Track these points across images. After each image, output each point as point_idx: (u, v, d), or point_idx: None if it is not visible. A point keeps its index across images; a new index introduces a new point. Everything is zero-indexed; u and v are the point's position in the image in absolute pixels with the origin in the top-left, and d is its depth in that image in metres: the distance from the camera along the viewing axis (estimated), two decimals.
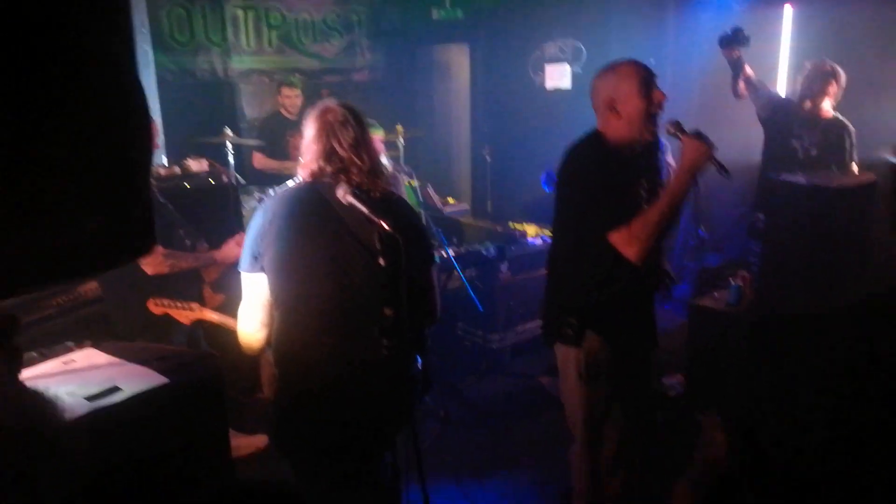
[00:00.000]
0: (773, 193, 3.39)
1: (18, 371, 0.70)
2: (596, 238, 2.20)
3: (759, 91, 4.06)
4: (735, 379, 3.42)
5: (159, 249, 2.79)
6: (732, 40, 3.87)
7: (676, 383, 3.90)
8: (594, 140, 2.31)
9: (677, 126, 2.22)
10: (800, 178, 3.26)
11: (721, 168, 2.16)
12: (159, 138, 3.00)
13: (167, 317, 2.66)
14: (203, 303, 2.83)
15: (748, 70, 4.00)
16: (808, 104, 3.88)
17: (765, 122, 4.12)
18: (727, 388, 3.26)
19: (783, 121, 4.00)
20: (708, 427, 1.41)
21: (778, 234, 3.28)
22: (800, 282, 3.14)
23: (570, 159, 2.32)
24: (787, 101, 4.15)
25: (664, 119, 2.28)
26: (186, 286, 2.87)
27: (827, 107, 3.88)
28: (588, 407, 2.41)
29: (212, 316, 2.66)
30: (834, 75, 3.81)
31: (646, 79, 2.22)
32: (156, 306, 2.66)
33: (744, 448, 1.27)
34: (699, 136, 2.15)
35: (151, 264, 2.78)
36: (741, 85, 4.01)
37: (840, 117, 3.91)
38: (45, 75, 1.01)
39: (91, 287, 3.07)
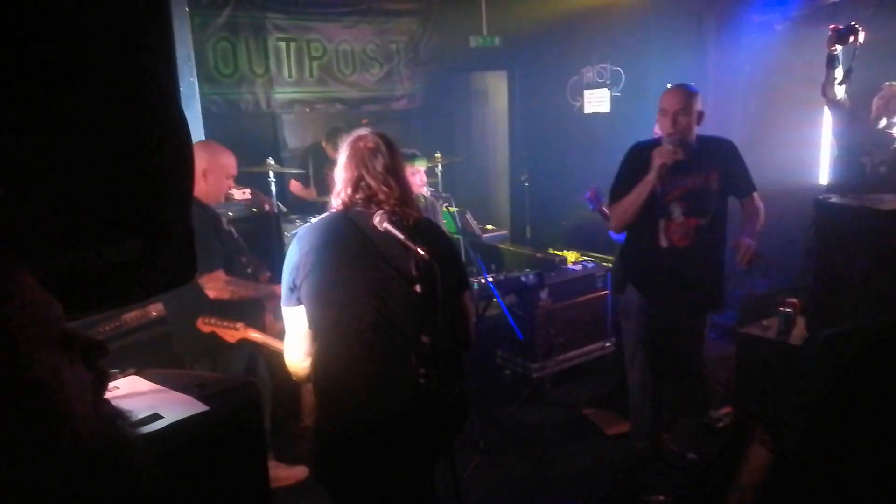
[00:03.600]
0: (824, 215, 3.29)
1: (102, 394, 0.73)
2: None
3: (840, 103, 3.97)
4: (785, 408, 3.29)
5: (221, 275, 2.85)
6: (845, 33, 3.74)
7: (724, 415, 3.77)
8: (652, 140, 3.08)
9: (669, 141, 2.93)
10: (851, 200, 3.16)
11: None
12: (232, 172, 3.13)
13: (221, 341, 2.71)
14: (265, 329, 2.87)
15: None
16: (882, 122, 3.86)
17: (839, 136, 4.09)
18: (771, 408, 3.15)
19: (855, 136, 3.97)
20: (753, 439, 1.52)
21: (829, 258, 3.17)
22: (853, 310, 3.02)
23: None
24: (862, 117, 4.07)
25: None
26: (250, 312, 2.91)
27: None
28: (626, 346, 3.28)
29: (255, 336, 2.70)
30: None
31: (667, 107, 2.95)
32: (204, 325, 2.71)
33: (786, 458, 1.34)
34: (665, 150, 2.88)
35: (214, 289, 2.83)
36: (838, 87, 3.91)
37: None
38: (86, 98, 1.04)
39: (134, 315, 3.13)
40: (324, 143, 5.47)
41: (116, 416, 0.71)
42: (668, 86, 3.08)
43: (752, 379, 3.49)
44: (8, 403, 0.59)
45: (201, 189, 2.94)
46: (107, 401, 0.71)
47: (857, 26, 3.64)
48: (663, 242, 3.01)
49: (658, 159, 2.86)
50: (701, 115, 2.96)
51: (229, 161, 3.05)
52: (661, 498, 3.15)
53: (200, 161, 2.93)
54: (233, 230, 3.08)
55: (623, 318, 3.27)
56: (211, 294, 2.83)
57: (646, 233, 3.05)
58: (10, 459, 0.59)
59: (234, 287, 2.88)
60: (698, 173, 2.97)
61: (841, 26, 3.69)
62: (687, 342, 3.17)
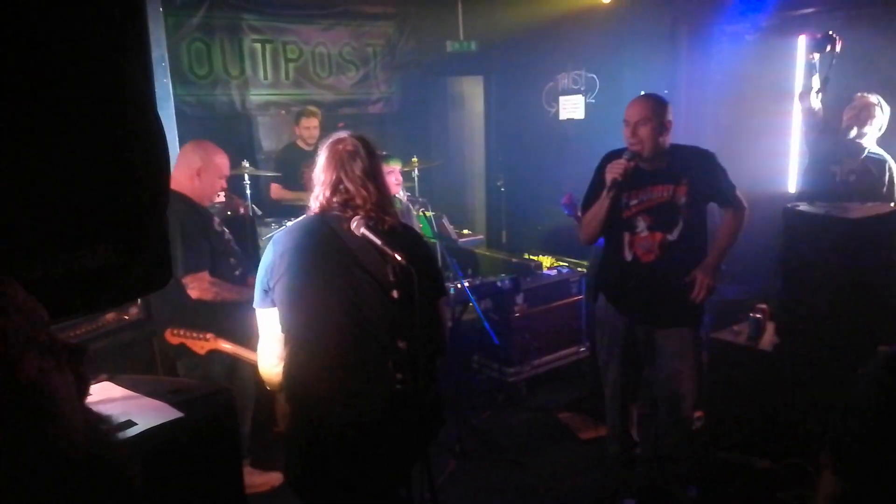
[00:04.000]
0: (792, 223, 3.36)
1: (85, 397, 0.74)
2: None
3: (815, 111, 4.05)
4: (756, 414, 3.35)
5: (206, 276, 2.84)
6: (822, 43, 3.80)
7: (697, 419, 3.83)
8: (622, 150, 2.87)
9: (629, 153, 2.80)
10: (818, 208, 3.23)
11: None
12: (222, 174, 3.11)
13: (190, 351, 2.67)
14: (250, 333, 2.84)
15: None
16: (853, 132, 3.94)
17: (811, 145, 4.16)
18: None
19: (827, 145, 4.04)
20: (823, 467, 1.49)
21: (797, 265, 3.24)
22: (821, 316, 3.08)
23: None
24: (833, 127, 4.16)
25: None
26: (235, 316, 2.88)
27: (872, 138, 3.95)
28: (599, 358, 3.21)
29: (226, 347, 2.67)
30: (880, 106, 3.91)
31: (629, 117, 2.83)
32: (172, 336, 2.67)
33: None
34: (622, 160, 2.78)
35: (197, 289, 2.82)
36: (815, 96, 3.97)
37: (881, 151, 3.97)
38: (62, 102, 1.03)
39: (110, 317, 3.08)
40: (295, 129, 5.41)
41: (98, 421, 0.72)
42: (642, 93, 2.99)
43: (722, 383, 3.54)
44: (2, 405, 0.59)
45: (195, 188, 2.92)
46: (87, 406, 0.72)
47: (833, 35, 3.72)
48: (627, 256, 2.90)
49: (609, 174, 2.78)
50: (668, 125, 2.81)
51: (223, 161, 3.05)
52: (633, 501, 3.19)
53: (194, 160, 2.92)
54: (224, 231, 3.07)
55: (597, 327, 3.21)
56: (193, 294, 2.81)
57: (611, 245, 2.98)
58: (6, 460, 0.59)
59: (218, 289, 2.86)
60: (665, 185, 2.83)
61: (818, 35, 3.78)
62: (667, 358, 2.94)
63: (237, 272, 3.02)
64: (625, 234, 2.90)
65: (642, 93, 2.98)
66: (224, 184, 3.10)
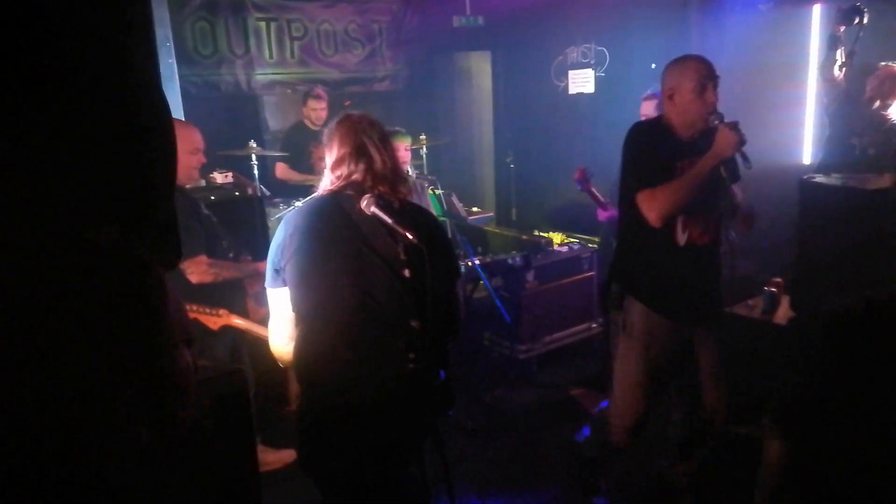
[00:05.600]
0: (808, 195, 3.31)
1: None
2: (632, 203, 2.43)
3: (837, 82, 3.96)
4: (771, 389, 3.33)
5: (204, 259, 2.81)
6: (849, 15, 3.68)
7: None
8: (653, 121, 2.61)
9: (719, 116, 2.43)
10: (835, 180, 3.19)
11: (745, 158, 2.38)
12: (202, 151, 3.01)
13: (205, 326, 2.67)
14: (247, 315, 2.83)
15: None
16: (876, 104, 3.84)
17: (831, 116, 4.07)
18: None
19: (848, 116, 3.95)
20: (767, 439, 1.45)
21: (813, 237, 3.20)
22: (837, 290, 3.05)
23: (627, 133, 2.54)
24: (856, 98, 4.07)
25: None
26: (231, 298, 2.87)
27: (894, 110, 3.85)
28: (619, 363, 2.63)
29: (238, 322, 2.68)
30: None
31: (702, 78, 2.45)
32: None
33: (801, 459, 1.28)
34: (734, 127, 2.35)
35: (196, 273, 2.79)
36: (838, 69, 3.84)
37: None
38: (66, 85, 1.00)
39: None
40: (302, 109, 5.37)
41: None
42: (686, 56, 2.59)
43: (736, 358, 3.52)
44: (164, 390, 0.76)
45: None
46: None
47: (861, 7, 3.60)
48: (681, 239, 2.43)
49: (739, 137, 2.32)
50: None
51: (189, 133, 2.88)
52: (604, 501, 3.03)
53: None
54: (212, 215, 3.02)
55: (624, 340, 2.60)
56: (193, 279, 2.78)
57: (659, 231, 2.43)
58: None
59: (218, 269, 2.84)
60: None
61: (845, 6, 3.67)
62: (709, 356, 2.60)
63: (230, 255, 3.00)
64: (678, 215, 2.45)
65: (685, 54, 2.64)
66: (201, 157, 2.95)
